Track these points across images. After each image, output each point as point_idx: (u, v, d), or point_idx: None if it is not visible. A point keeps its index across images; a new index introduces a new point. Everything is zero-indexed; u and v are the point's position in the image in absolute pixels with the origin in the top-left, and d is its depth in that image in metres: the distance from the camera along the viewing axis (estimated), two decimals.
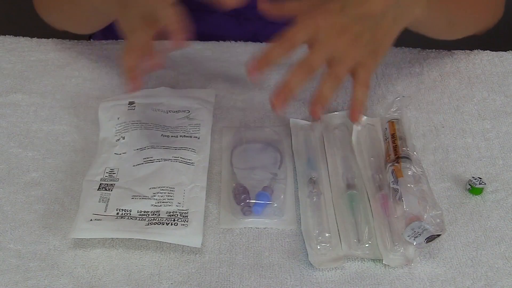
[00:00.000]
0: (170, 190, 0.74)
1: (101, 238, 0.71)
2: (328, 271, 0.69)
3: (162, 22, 0.72)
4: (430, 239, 0.69)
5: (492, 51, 0.98)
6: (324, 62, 0.71)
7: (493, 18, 0.94)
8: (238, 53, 0.96)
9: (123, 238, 0.71)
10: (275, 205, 0.74)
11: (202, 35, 0.99)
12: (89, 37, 1.09)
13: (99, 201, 0.72)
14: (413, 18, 0.77)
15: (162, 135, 0.80)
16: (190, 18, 1.09)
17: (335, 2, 0.71)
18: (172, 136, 0.80)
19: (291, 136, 0.83)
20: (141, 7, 0.73)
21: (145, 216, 0.71)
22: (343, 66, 0.71)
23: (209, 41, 0.98)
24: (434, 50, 0.97)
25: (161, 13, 0.72)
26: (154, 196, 0.73)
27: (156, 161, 0.76)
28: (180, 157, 0.77)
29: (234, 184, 0.76)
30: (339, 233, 0.72)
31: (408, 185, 0.72)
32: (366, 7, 0.71)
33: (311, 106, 0.71)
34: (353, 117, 0.73)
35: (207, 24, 1.06)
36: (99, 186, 0.74)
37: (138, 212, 0.72)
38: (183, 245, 0.70)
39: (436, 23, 0.87)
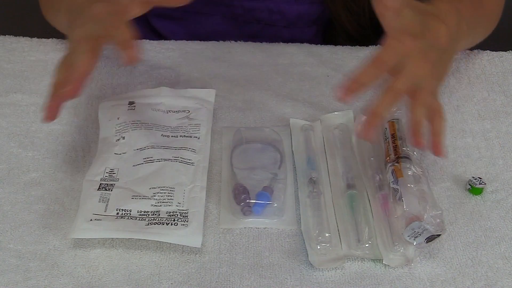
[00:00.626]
0: (170, 190, 0.74)
1: (101, 238, 0.71)
2: (328, 271, 0.69)
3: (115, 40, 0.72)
4: (430, 239, 0.69)
5: (492, 51, 0.98)
6: (410, 88, 0.71)
7: (494, 27, 0.96)
8: (238, 53, 0.96)
9: (123, 238, 0.71)
10: (275, 205, 0.74)
11: (201, 37, 0.99)
12: None
13: (99, 201, 0.72)
14: (460, 48, 0.81)
15: (162, 135, 0.80)
16: (190, 21, 1.09)
17: (415, 27, 0.72)
18: (172, 136, 0.80)
19: (291, 136, 0.83)
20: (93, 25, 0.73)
21: (145, 216, 0.71)
22: (426, 94, 0.72)
23: (209, 41, 0.98)
24: None
25: (115, 32, 0.72)
26: (154, 196, 0.73)
27: (156, 161, 0.76)
28: (180, 157, 0.77)
29: (234, 184, 0.76)
30: (339, 233, 0.72)
31: (408, 185, 0.72)
32: (439, 37, 0.73)
33: (415, 134, 0.70)
34: (437, 152, 0.72)
35: (207, 27, 1.06)
36: (99, 186, 0.74)
37: (138, 212, 0.72)
38: (183, 245, 0.70)
39: (466, 46, 0.91)
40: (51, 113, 0.71)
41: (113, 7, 0.73)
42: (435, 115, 0.72)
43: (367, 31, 1.00)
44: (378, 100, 0.70)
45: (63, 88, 0.69)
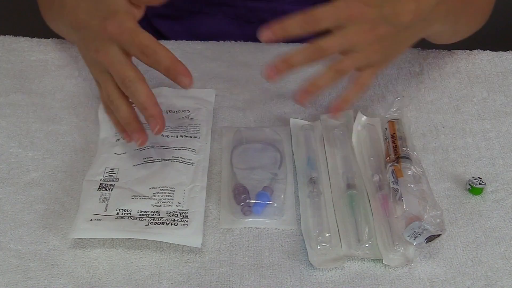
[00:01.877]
0: (170, 190, 0.74)
1: (101, 238, 0.71)
2: (328, 271, 0.69)
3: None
4: (430, 239, 0.69)
5: (492, 51, 0.98)
6: (340, 50, 0.69)
7: (483, 22, 0.95)
8: (238, 53, 0.97)
9: (123, 238, 0.71)
10: (275, 205, 0.74)
11: (203, 37, 0.99)
12: None
13: (99, 201, 0.72)
14: (430, 32, 0.78)
15: (162, 135, 0.80)
16: (192, 21, 1.09)
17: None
18: (172, 136, 0.80)
19: (291, 136, 0.83)
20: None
21: (145, 216, 0.71)
22: (354, 61, 0.70)
23: (209, 41, 0.98)
24: (434, 50, 0.97)
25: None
26: (154, 196, 0.73)
27: (156, 161, 0.76)
28: (180, 157, 0.77)
29: (234, 184, 0.76)
30: (339, 233, 0.72)
31: (408, 185, 0.72)
32: (398, 13, 0.70)
33: (301, 91, 0.70)
34: (333, 110, 0.72)
35: (209, 27, 1.06)
36: (99, 186, 0.74)
37: (138, 212, 0.72)
38: (183, 245, 0.70)
39: (444, 34, 0.88)
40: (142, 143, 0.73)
41: (125, 23, 0.70)
42: (358, 82, 0.71)
43: None
44: (295, 52, 0.69)
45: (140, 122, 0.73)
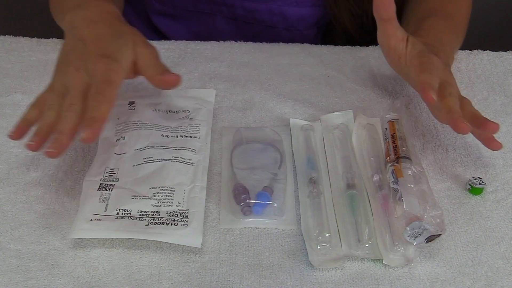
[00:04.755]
0: (170, 190, 0.74)
1: (101, 238, 0.71)
2: (328, 271, 0.69)
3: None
4: (430, 239, 0.69)
5: (492, 51, 0.98)
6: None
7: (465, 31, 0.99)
8: (238, 53, 0.97)
9: (123, 238, 0.71)
10: (275, 205, 0.74)
11: (202, 37, 0.99)
12: None
13: (99, 201, 0.72)
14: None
15: (162, 135, 0.80)
16: (191, 20, 1.09)
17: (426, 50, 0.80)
18: (172, 136, 0.80)
19: (291, 136, 0.83)
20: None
21: (145, 216, 0.71)
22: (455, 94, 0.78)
23: (209, 41, 0.98)
24: None
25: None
26: (154, 196, 0.73)
27: (156, 161, 0.76)
28: (180, 157, 0.77)
29: (234, 184, 0.76)
30: (339, 233, 0.72)
31: (408, 185, 0.72)
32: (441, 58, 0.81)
33: (458, 122, 0.74)
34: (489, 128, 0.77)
35: (208, 27, 1.07)
36: (99, 186, 0.74)
37: (138, 212, 0.72)
38: (183, 245, 0.71)
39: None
40: (32, 148, 0.70)
41: (113, 74, 0.71)
42: (465, 103, 0.78)
43: (369, 33, 1.01)
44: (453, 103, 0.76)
45: (49, 135, 0.70)
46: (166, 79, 0.74)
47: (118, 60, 0.73)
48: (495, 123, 0.75)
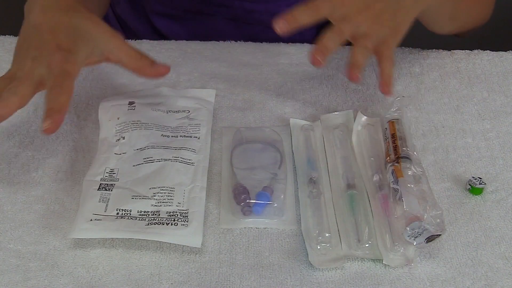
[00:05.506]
0: (170, 190, 0.74)
1: (101, 238, 0.71)
2: (328, 271, 0.69)
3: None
4: (430, 239, 0.69)
5: (492, 51, 0.98)
6: (351, 33, 0.76)
7: (484, 18, 0.96)
8: (238, 53, 0.97)
9: (123, 238, 0.71)
10: (275, 205, 0.74)
11: (201, 37, 0.99)
12: None
13: (99, 201, 0.72)
14: (426, 5, 0.82)
15: (162, 135, 0.80)
16: (191, 21, 1.09)
17: None
18: (172, 136, 0.80)
19: (291, 136, 0.83)
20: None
21: (145, 216, 0.71)
22: (369, 40, 0.76)
23: (209, 41, 0.98)
24: (434, 50, 0.97)
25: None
26: (154, 196, 0.73)
27: (156, 161, 0.76)
28: (180, 157, 0.77)
29: (234, 184, 0.76)
30: (339, 233, 0.72)
31: (408, 185, 0.72)
32: None
33: (313, 52, 0.74)
34: (385, 91, 0.78)
35: (207, 27, 1.07)
36: (99, 186, 0.74)
37: (138, 212, 0.72)
38: (183, 245, 0.70)
39: (440, 16, 0.90)
40: None
41: (69, 66, 0.72)
42: (383, 58, 0.77)
43: None
44: (324, 36, 0.75)
45: None
46: (158, 71, 0.77)
47: (74, 52, 0.73)
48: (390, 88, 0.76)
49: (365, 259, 0.70)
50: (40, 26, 0.74)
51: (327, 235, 0.71)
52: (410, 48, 0.97)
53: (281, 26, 0.76)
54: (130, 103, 0.84)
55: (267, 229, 0.73)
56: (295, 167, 0.79)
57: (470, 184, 0.77)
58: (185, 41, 0.98)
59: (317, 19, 0.77)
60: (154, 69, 0.77)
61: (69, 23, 0.74)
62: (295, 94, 0.90)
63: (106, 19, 1.08)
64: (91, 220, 0.70)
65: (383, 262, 0.70)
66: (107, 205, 0.72)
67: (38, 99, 0.87)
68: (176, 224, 0.70)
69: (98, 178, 0.75)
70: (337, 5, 0.77)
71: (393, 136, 0.78)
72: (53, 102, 0.69)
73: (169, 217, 0.71)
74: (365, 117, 0.83)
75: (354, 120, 0.83)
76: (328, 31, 0.76)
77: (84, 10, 0.77)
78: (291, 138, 0.83)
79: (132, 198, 0.73)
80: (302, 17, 0.76)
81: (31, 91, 0.71)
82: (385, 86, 0.78)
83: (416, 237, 0.68)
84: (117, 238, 0.71)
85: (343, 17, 0.76)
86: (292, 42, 1.00)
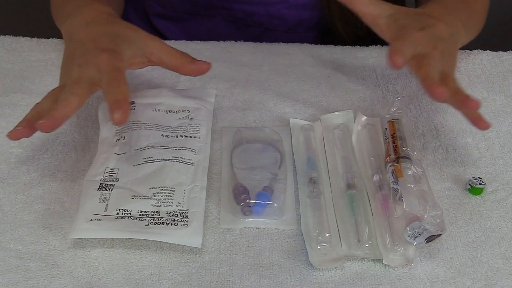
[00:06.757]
0: (170, 190, 0.74)
1: (101, 238, 0.71)
2: (328, 271, 0.69)
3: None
4: (430, 239, 0.69)
5: (492, 51, 0.98)
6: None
7: (481, 27, 0.97)
8: (238, 53, 0.97)
9: (123, 238, 0.71)
10: (275, 205, 0.74)
11: (201, 39, 0.99)
12: None
13: (99, 201, 0.72)
14: (460, 45, 0.84)
15: (162, 135, 0.80)
16: (191, 23, 1.09)
17: (414, 24, 0.77)
18: (172, 136, 0.80)
19: (291, 136, 0.83)
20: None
21: (145, 216, 0.71)
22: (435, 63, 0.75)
23: (209, 41, 0.98)
24: None
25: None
26: (154, 196, 0.73)
27: (156, 161, 0.76)
28: (180, 157, 0.77)
29: (234, 184, 0.76)
30: (339, 233, 0.72)
31: (408, 185, 0.72)
32: (441, 30, 0.77)
33: (392, 53, 0.72)
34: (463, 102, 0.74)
35: (208, 29, 1.07)
36: (99, 186, 0.74)
37: (138, 212, 0.72)
38: (183, 245, 0.70)
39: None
40: (16, 136, 0.71)
41: (117, 62, 0.73)
42: (449, 80, 0.75)
43: (363, 40, 1.00)
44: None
45: (41, 119, 0.69)
46: (200, 68, 0.79)
47: (119, 52, 0.74)
48: (476, 100, 0.72)
49: (365, 259, 0.70)
50: (83, 39, 0.76)
51: (327, 235, 0.71)
52: None
53: (395, 61, 0.73)
54: (130, 103, 0.83)
55: (267, 229, 0.73)
56: (295, 167, 0.79)
57: (470, 184, 0.77)
58: (185, 41, 0.98)
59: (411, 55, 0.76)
60: (195, 66, 0.79)
61: (110, 31, 0.77)
62: (295, 94, 0.90)
63: None
64: (91, 220, 0.70)
65: (383, 262, 0.70)
66: (107, 205, 0.72)
67: (38, 99, 0.87)
68: (176, 224, 0.71)
69: (98, 178, 0.75)
70: (416, 44, 0.75)
71: (393, 136, 0.78)
72: (115, 94, 0.70)
73: (169, 217, 0.71)
74: (365, 117, 0.83)
75: (354, 120, 0.83)
76: (429, 68, 0.74)
77: (122, 21, 0.80)
78: (291, 138, 0.83)
79: (132, 198, 0.73)
80: (404, 55, 0.74)
81: (87, 90, 0.72)
82: (468, 101, 0.74)
83: (416, 237, 0.69)
84: (117, 238, 0.71)
85: (425, 55, 0.75)
86: (292, 42, 1.00)
